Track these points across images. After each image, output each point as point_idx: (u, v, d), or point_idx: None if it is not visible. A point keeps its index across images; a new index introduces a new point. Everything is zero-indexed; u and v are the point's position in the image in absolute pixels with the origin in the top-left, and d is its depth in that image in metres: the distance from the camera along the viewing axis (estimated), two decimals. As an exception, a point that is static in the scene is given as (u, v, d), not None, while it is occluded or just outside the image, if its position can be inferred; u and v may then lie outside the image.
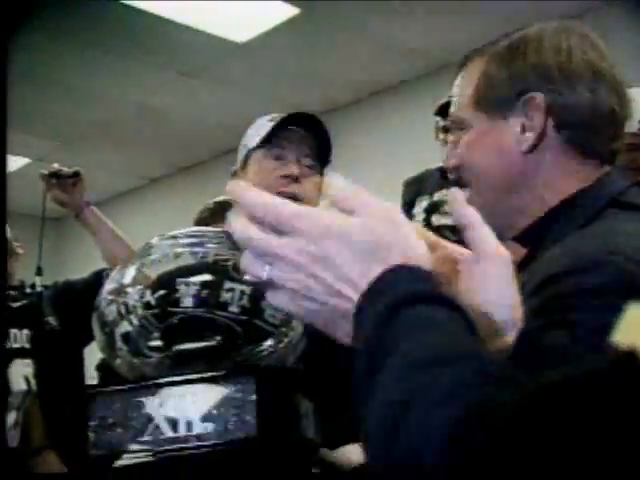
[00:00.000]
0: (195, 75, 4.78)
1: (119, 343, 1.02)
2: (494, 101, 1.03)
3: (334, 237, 0.60)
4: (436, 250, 0.73)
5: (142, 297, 1.00)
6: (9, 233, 2.46)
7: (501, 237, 0.94)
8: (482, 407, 0.45)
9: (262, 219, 0.62)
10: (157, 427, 0.94)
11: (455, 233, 2.75)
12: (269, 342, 1.03)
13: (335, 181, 0.64)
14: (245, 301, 0.99)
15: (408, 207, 2.94)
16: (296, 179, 1.51)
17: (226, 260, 1.02)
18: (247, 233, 0.62)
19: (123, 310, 1.01)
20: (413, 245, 0.61)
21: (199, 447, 0.93)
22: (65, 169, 2.18)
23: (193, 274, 1.00)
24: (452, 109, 1.11)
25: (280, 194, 1.47)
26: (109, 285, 1.05)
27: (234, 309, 0.98)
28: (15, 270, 2.48)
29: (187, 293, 0.98)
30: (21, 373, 2.24)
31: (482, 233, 0.73)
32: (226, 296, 0.99)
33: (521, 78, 1.01)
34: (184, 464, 0.94)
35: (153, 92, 5.02)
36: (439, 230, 2.72)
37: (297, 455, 0.99)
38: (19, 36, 3.50)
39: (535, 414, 0.43)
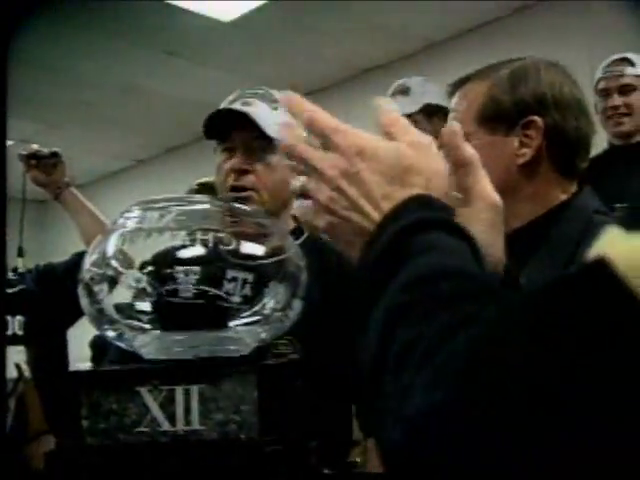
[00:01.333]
0: (181, 54, 4.73)
1: (110, 315, 1.00)
2: (497, 120, 1.23)
3: (366, 157, 0.63)
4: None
5: (138, 282, 0.98)
6: None
7: None
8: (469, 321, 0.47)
9: (309, 130, 0.66)
10: (154, 419, 0.91)
11: None
12: (264, 312, 1.02)
13: (384, 105, 0.70)
14: (247, 290, 0.98)
15: None
16: (243, 171, 1.49)
17: (226, 242, 1.00)
18: (293, 142, 0.66)
19: (110, 284, 0.99)
20: (439, 175, 0.65)
21: (198, 443, 0.90)
22: (44, 150, 2.17)
23: (192, 261, 0.98)
24: (450, 122, 1.22)
25: (231, 188, 1.48)
26: (93, 256, 1.03)
27: (236, 299, 0.97)
28: None
29: (187, 283, 0.96)
30: (12, 360, 2.22)
31: (479, 175, 0.78)
32: (228, 286, 0.97)
33: (523, 103, 1.22)
34: (182, 459, 0.91)
35: (139, 72, 4.97)
36: None
37: (298, 453, 0.96)
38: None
39: (515, 320, 0.45)
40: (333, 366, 1.42)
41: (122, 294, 1.00)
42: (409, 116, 2.74)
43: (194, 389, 0.91)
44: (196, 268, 0.97)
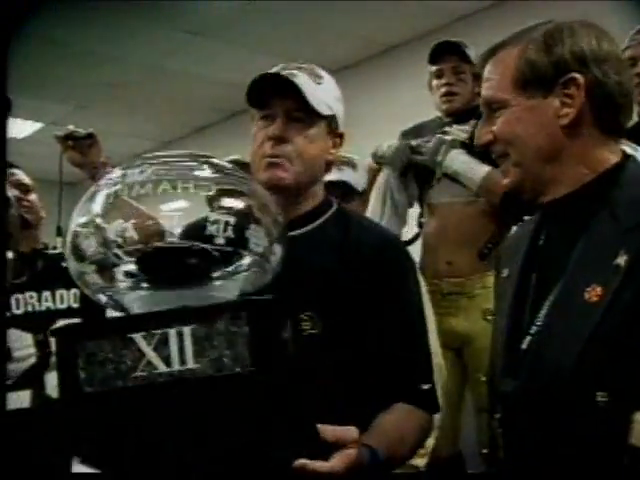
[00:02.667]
0: (206, 34, 4.73)
1: (94, 276, 1.04)
2: (535, 82, 1.19)
3: None
4: None
5: (124, 231, 1.00)
6: (34, 197, 2.47)
7: (536, 203, 1.26)
8: None
9: None
10: (149, 363, 0.93)
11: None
12: (246, 261, 1.04)
13: None
14: (230, 232, 1.00)
15: None
16: (281, 139, 1.46)
17: (207, 188, 1.03)
18: None
19: (100, 243, 1.02)
20: None
21: (195, 381, 0.92)
22: (80, 131, 2.21)
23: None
24: (486, 92, 1.25)
25: (266, 156, 1.46)
26: (81, 217, 1.06)
27: (220, 241, 0.99)
28: (39, 233, 2.49)
29: (172, 229, 0.99)
30: None
31: None
32: (211, 229, 0.99)
33: (561, 62, 1.18)
34: (180, 398, 0.93)
35: (164, 53, 4.98)
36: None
37: (292, 386, 0.98)
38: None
39: None
40: (354, 341, 1.41)
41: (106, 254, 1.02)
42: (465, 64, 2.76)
43: (186, 330, 0.92)
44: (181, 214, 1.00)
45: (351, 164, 2.54)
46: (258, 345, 0.92)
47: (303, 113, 1.46)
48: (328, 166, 1.56)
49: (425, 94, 2.93)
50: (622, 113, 1.21)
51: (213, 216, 0.99)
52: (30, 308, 2.27)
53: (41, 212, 2.50)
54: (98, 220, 1.03)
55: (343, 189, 2.44)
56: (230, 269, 1.02)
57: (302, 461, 1.00)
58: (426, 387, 1.45)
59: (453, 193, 2.72)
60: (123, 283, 1.02)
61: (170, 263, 1.00)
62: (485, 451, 1.28)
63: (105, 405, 0.95)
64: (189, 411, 0.94)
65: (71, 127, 2.24)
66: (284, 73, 1.47)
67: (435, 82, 2.84)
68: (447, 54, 2.80)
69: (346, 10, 4.39)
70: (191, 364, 0.92)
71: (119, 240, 0.99)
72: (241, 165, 2.08)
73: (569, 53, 1.18)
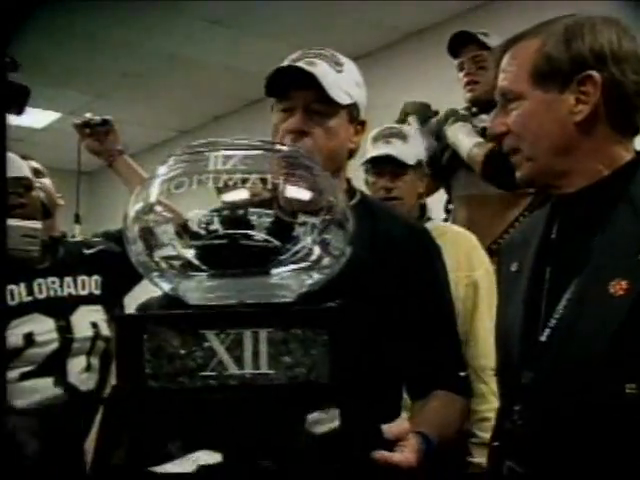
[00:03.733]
0: (225, 23, 4.71)
1: (163, 263, 0.99)
2: (552, 77, 1.19)
3: None
4: None
5: (209, 223, 0.95)
6: (47, 181, 2.47)
7: (547, 194, 1.29)
8: None
9: None
10: (221, 362, 0.89)
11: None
12: (325, 262, 1.01)
13: None
14: (315, 235, 0.97)
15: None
16: (301, 132, 1.43)
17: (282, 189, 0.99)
18: None
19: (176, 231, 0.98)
20: None
21: (268, 387, 0.88)
22: (96, 117, 2.24)
23: (263, 205, 0.96)
24: (502, 82, 1.26)
25: None
26: (137, 204, 1.01)
27: (304, 248, 0.96)
28: (58, 222, 2.49)
29: (261, 225, 0.95)
30: (87, 319, 2.25)
31: None
32: (299, 230, 0.96)
33: (579, 58, 1.17)
34: (250, 403, 0.90)
35: (184, 42, 4.96)
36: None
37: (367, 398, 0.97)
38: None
39: None
40: (387, 331, 1.41)
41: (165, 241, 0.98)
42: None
43: (262, 333, 0.88)
44: (270, 211, 0.95)
45: (401, 135, 2.38)
46: (336, 354, 0.89)
47: (323, 105, 1.43)
48: (351, 154, 1.54)
49: (449, 80, 2.90)
50: (638, 112, 1.21)
51: (302, 217, 0.97)
52: (52, 293, 2.27)
53: (58, 200, 2.50)
54: (158, 209, 0.99)
55: (392, 164, 2.32)
56: (294, 266, 0.98)
57: (382, 453, 1.03)
58: (463, 374, 1.50)
59: (479, 186, 2.67)
60: (181, 269, 0.98)
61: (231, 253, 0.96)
62: (496, 444, 1.28)
63: (170, 403, 0.92)
64: (259, 417, 0.90)
65: (88, 115, 2.25)
66: (302, 63, 1.44)
67: (460, 75, 2.81)
68: (465, 45, 2.77)
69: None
70: (265, 369, 0.89)
71: (201, 232, 0.95)
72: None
73: (588, 50, 1.18)
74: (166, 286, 1.02)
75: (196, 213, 0.96)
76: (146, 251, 0.99)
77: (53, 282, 2.28)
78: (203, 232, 0.95)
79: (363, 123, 1.54)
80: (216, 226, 0.95)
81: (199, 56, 5.20)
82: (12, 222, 2.13)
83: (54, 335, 2.20)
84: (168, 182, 1.00)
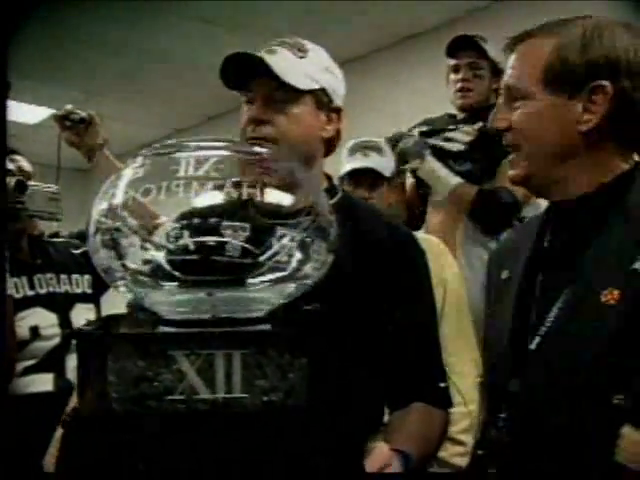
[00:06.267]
0: (219, 23, 4.71)
1: (122, 269, 0.92)
2: (564, 81, 1.15)
3: None
4: None
5: (178, 237, 0.88)
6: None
7: (540, 196, 1.27)
8: None
9: None
10: (191, 385, 0.82)
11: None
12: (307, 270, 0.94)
13: None
14: (295, 243, 0.91)
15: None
16: (262, 121, 1.39)
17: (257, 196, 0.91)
18: None
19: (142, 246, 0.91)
20: None
21: (241, 412, 0.82)
22: (78, 112, 2.19)
23: (235, 215, 0.88)
24: (510, 78, 1.22)
25: (249, 139, 1.39)
26: (101, 205, 0.93)
27: (282, 257, 0.90)
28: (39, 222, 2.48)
29: (236, 235, 0.87)
30: (83, 317, 2.25)
31: None
32: (277, 237, 0.90)
33: (594, 65, 1.14)
34: (222, 429, 0.83)
35: (177, 41, 4.95)
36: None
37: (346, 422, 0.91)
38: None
39: None
40: (362, 332, 1.35)
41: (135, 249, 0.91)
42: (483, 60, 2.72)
43: (236, 354, 0.82)
44: (245, 225, 0.88)
45: (377, 148, 2.48)
46: (316, 379, 0.83)
47: (283, 92, 1.39)
48: (329, 145, 1.48)
49: (444, 83, 2.91)
50: None
51: (280, 231, 0.90)
52: (52, 289, 2.28)
53: None
54: (123, 214, 0.91)
55: (370, 176, 2.41)
56: (271, 276, 0.92)
57: None
58: (443, 385, 1.45)
59: None
60: (148, 280, 0.91)
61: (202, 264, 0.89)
62: (480, 452, 1.26)
63: (135, 429, 0.84)
64: (232, 444, 0.84)
65: (69, 107, 2.20)
66: (260, 53, 1.41)
67: (452, 76, 2.79)
68: (465, 49, 2.76)
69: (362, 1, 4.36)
70: (238, 393, 0.82)
71: (170, 246, 0.88)
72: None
73: (604, 58, 1.14)
74: (132, 297, 0.96)
75: (164, 221, 0.89)
76: (111, 258, 0.92)
77: (51, 278, 2.30)
78: (172, 247, 0.88)
79: (338, 110, 1.48)
80: (186, 240, 0.88)
81: (193, 56, 5.19)
82: (34, 186, 2.12)
83: (57, 330, 2.23)
84: (134, 188, 0.92)
